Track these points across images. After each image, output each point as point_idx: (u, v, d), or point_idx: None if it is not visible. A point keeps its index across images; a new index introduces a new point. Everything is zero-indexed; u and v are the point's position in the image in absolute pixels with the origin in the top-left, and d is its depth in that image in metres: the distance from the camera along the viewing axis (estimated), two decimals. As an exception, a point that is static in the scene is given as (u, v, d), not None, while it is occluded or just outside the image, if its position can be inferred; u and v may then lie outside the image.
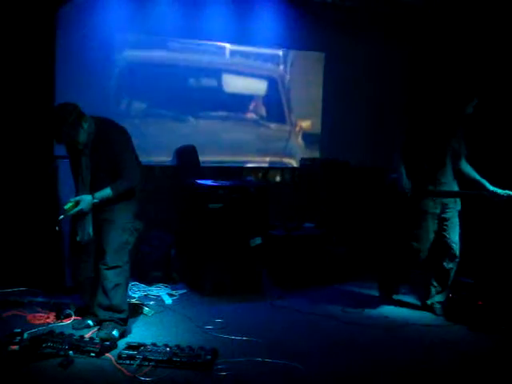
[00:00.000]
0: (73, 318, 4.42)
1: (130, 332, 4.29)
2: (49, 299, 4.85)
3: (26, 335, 3.81)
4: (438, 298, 5.15)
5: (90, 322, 4.31)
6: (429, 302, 5.17)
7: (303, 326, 4.70)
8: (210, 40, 6.56)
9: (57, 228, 4.15)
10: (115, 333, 4.09)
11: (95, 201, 4.05)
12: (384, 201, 5.58)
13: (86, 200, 4.02)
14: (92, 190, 4.09)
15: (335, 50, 7.14)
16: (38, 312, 4.57)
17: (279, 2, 6.59)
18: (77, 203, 4.00)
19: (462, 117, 4.90)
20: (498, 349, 4.38)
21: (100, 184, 4.09)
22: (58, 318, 4.44)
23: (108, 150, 4.11)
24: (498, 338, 4.56)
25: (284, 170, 7.06)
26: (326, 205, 6.40)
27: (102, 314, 4.17)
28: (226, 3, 6.40)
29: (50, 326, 4.28)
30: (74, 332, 4.07)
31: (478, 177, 4.96)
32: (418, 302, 5.34)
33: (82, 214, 4.06)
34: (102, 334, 4.08)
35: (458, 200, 5.02)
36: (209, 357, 3.73)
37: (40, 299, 4.87)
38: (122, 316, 4.20)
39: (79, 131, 4.00)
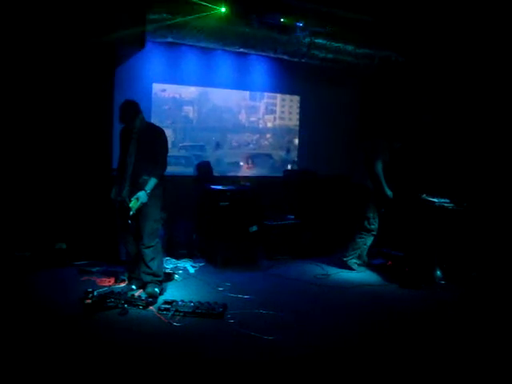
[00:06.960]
0: (126, 281, 4.45)
1: (165, 291, 4.33)
2: (109, 268, 4.88)
3: (95, 293, 3.87)
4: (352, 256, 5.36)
5: (134, 286, 4.30)
6: (345, 259, 5.37)
7: (286, 287, 4.74)
8: (219, 87, 6.41)
9: (130, 222, 4.01)
10: (157, 289, 4.18)
11: (148, 192, 4.00)
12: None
13: (143, 195, 3.99)
14: (134, 169, 4.02)
15: (307, 94, 7.05)
16: (103, 277, 4.62)
17: (267, 60, 6.49)
18: (137, 199, 3.96)
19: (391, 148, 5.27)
20: (421, 300, 4.49)
21: (140, 165, 4.03)
22: (116, 281, 4.51)
23: (151, 142, 4.10)
24: (419, 293, 4.67)
25: (272, 178, 6.86)
26: (300, 203, 6.39)
27: (146, 278, 4.20)
28: (230, 59, 6.31)
29: (111, 287, 4.33)
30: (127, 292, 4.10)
31: None
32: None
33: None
34: (149, 290, 4.15)
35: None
36: (221, 309, 3.80)
37: (104, 268, 4.91)
38: (159, 279, 4.25)
39: (135, 118, 4.06)
